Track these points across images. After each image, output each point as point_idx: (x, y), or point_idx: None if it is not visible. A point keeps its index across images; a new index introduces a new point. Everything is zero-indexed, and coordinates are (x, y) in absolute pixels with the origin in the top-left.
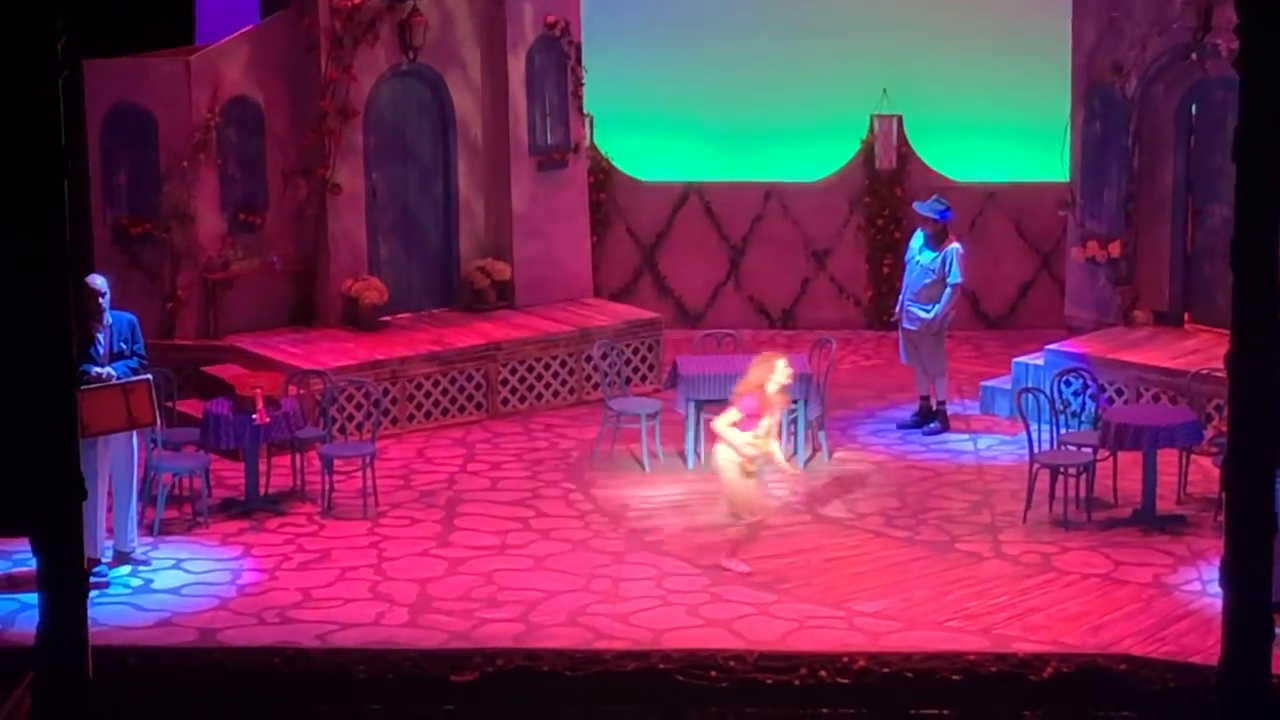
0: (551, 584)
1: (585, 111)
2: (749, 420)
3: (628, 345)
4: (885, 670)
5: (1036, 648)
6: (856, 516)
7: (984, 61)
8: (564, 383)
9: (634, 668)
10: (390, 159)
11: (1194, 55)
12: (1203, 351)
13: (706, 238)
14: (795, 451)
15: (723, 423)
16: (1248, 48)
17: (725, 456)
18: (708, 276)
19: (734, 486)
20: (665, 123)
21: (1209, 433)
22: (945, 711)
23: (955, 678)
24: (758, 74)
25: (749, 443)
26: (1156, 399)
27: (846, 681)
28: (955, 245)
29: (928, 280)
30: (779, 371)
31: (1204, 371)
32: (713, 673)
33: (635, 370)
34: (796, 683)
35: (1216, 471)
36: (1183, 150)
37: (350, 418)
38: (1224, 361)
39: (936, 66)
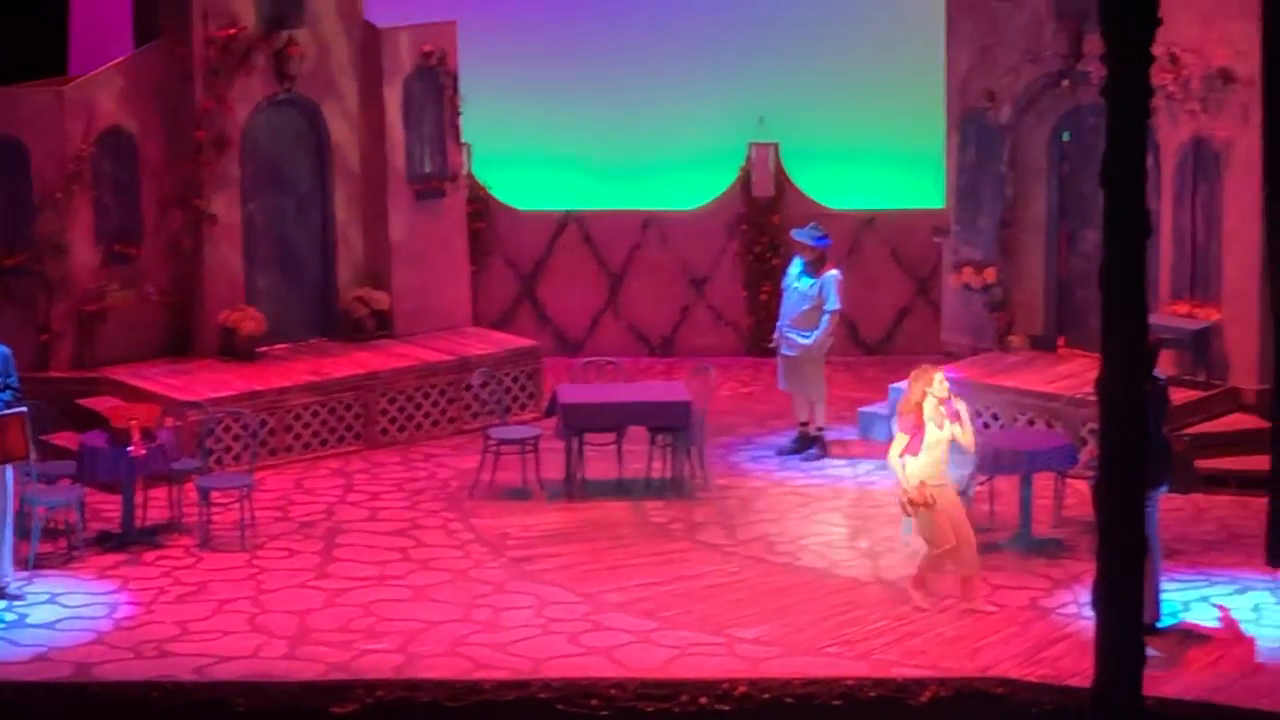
0: (431, 614)
1: (463, 140)
2: (916, 439)
3: (507, 374)
4: (765, 696)
5: (915, 672)
6: (737, 543)
7: (860, 89)
8: (443, 412)
9: (514, 697)
10: (267, 189)
11: (1066, 82)
12: (1077, 375)
13: (585, 266)
14: (676, 477)
15: (894, 454)
16: (1114, 75)
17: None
18: (587, 305)
19: (920, 521)
20: (543, 154)
21: (1084, 456)
22: None
23: (835, 703)
24: (635, 104)
25: (920, 473)
26: (1032, 423)
27: (727, 708)
28: (833, 272)
29: (806, 306)
30: (937, 385)
31: (1078, 396)
32: (593, 701)
33: (515, 399)
34: (677, 710)
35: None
36: (1056, 176)
37: (228, 449)
38: (1094, 385)
39: (812, 95)
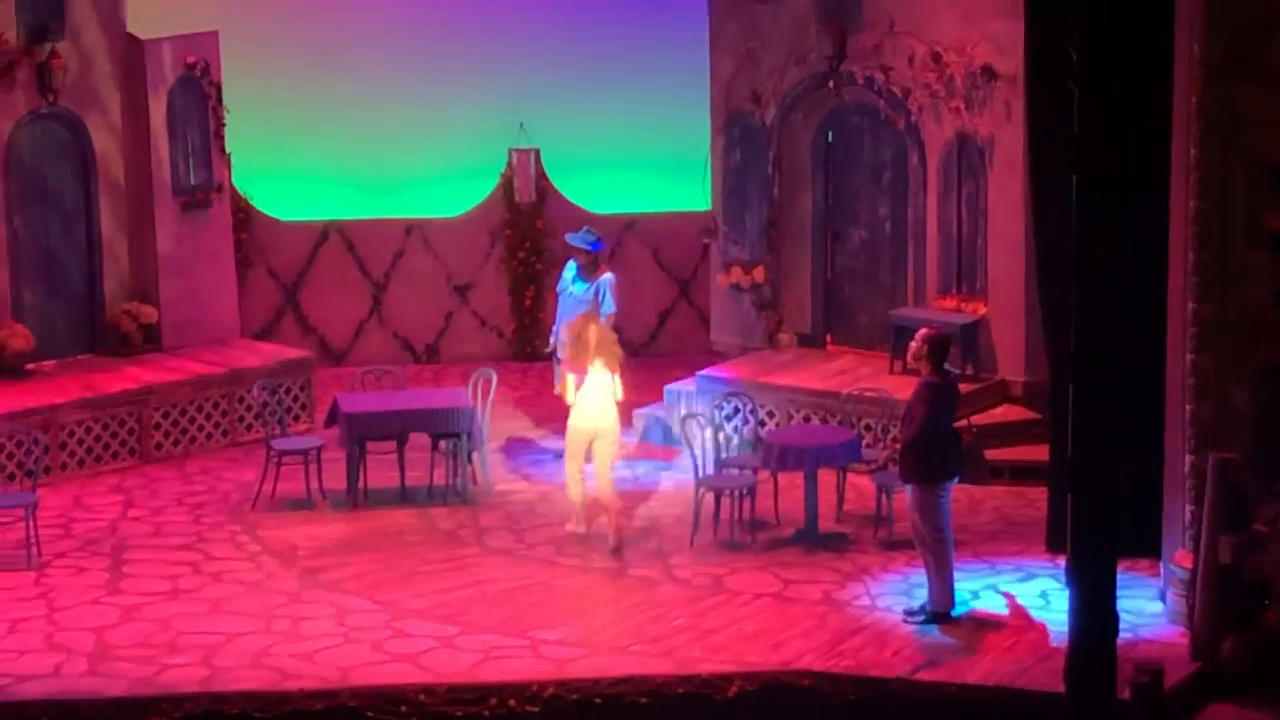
0: (230, 626)
1: (226, 151)
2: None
3: (281, 385)
4: (574, 697)
5: (720, 667)
6: (526, 547)
7: (620, 94)
8: (217, 425)
9: (323, 706)
10: (31, 203)
11: (830, 83)
12: (849, 372)
13: (348, 274)
14: (458, 482)
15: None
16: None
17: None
18: (350, 313)
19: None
20: (304, 165)
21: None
22: None
23: (643, 700)
24: (396, 113)
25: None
26: (807, 419)
27: (536, 709)
28: (608, 275)
29: (582, 311)
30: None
31: (856, 392)
32: (403, 707)
33: (288, 410)
34: (487, 713)
35: (872, 488)
36: (821, 176)
37: (1, 468)
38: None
39: (573, 100)
